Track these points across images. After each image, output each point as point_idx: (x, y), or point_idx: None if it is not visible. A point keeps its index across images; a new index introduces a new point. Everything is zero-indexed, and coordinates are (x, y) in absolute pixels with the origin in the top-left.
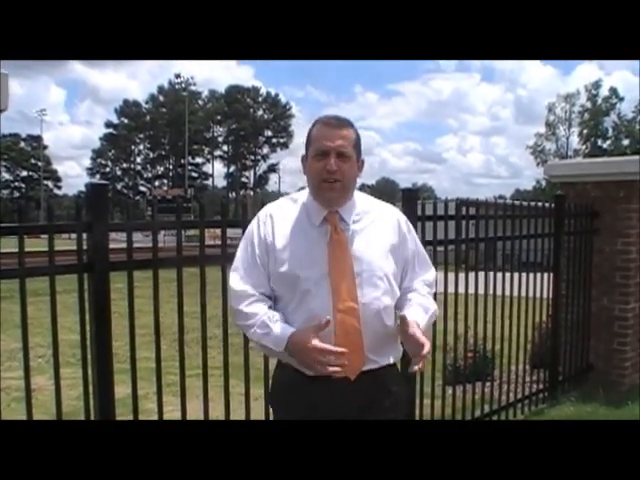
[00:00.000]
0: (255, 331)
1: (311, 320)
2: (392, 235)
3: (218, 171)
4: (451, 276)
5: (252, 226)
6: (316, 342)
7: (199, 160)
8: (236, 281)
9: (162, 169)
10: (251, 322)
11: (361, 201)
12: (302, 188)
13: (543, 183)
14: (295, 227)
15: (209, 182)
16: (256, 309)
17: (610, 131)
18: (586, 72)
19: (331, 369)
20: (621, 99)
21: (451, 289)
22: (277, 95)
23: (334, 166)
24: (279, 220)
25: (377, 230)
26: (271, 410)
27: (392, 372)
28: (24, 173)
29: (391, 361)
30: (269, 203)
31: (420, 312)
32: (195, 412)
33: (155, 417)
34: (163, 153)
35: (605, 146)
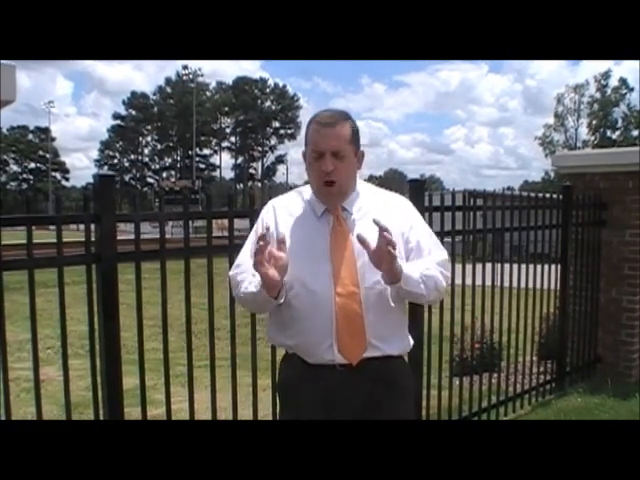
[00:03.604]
0: (243, 284)
1: (313, 306)
2: (397, 223)
3: (226, 162)
4: (459, 267)
5: (258, 219)
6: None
7: (207, 151)
8: (235, 264)
9: (170, 160)
10: (239, 278)
11: (365, 191)
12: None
13: (552, 174)
14: (298, 217)
15: (217, 173)
16: (244, 274)
17: (619, 122)
18: (595, 62)
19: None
20: (631, 89)
21: (459, 280)
22: (285, 86)
23: (330, 166)
24: (282, 211)
25: (381, 218)
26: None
27: (400, 364)
28: (32, 165)
29: (397, 352)
30: (277, 196)
31: (414, 265)
32: (203, 403)
33: (163, 408)
34: (171, 145)
35: (614, 137)
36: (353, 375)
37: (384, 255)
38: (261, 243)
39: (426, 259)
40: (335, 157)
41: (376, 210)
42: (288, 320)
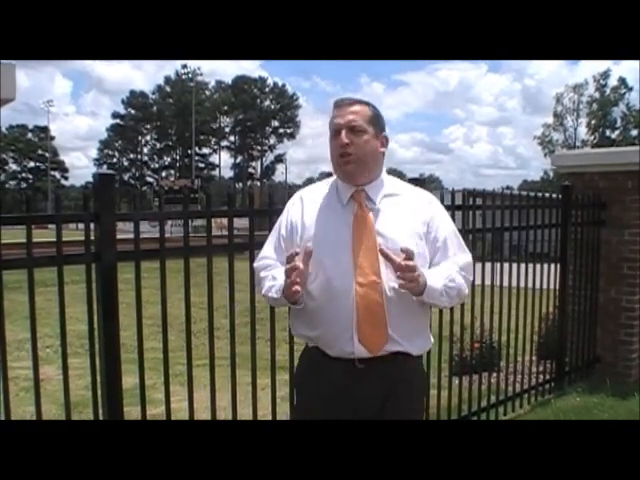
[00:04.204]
0: (264, 284)
1: (335, 296)
2: (421, 218)
3: (225, 162)
4: None
5: (284, 210)
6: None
7: (206, 151)
8: (259, 254)
9: (169, 160)
10: (262, 275)
11: (391, 183)
12: (310, 179)
13: (551, 174)
14: (323, 206)
15: (216, 173)
16: (265, 271)
17: (619, 121)
18: (594, 62)
19: (293, 288)
20: (630, 89)
21: None
22: (284, 85)
23: (345, 139)
24: (308, 201)
25: (405, 211)
26: (295, 392)
27: (417, 364)
28: (31, 164)
29: (417, 351)
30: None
31: (433, 272)
32: (202, 402)
33: (162, 407)
34: (170, 144)
35: (613, 136)
36: (370, 372)
37: (405, 280)
38: (292, 264)
39: (450, 263)
40: (351, 132)
41: (402, 203)
42: (310, 311)
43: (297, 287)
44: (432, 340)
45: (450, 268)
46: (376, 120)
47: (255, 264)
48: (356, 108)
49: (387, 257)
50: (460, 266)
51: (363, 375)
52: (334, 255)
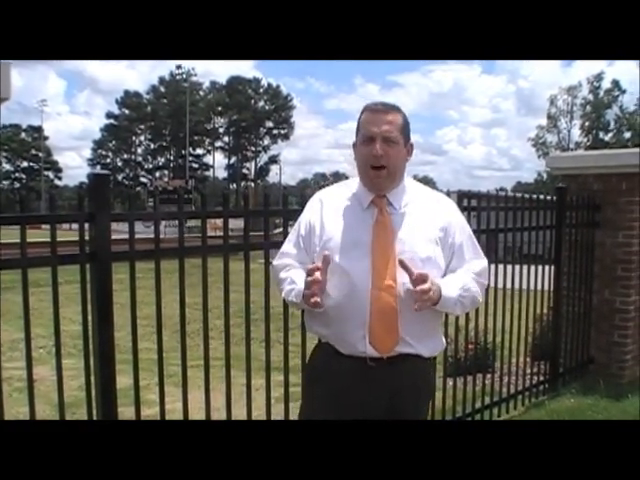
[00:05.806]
0: (284, 287)
1: (351, 297)
2: (439, 223)
3: (219, 162)
4: None
5: (304, 211)
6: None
7: (200, 151)
8: (279, 252)
9: (163, 160)
10: (282, 276)
11: (411, 188)
12: (304, 180)
13: (544, 175)
14: (343, 209)
15: (210, 173)
16: (285, 270)
17: (612, 124)
18: (588, 64)
19: (312, 300)
20: (623, 91)
21: None
22: (278, 86)
23: (380, 151)
24: (327, 203)
25: (424, 216)
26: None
27: (428, 366)
28: (25, 164)
29: (428, 354)
30: (324, 188)
31: (448, 282)
32: (196, 403)
33: (156, 408)
34: (164, 144)
35: (607, 139)
36: (380, 371)
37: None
38: (313, 277)
39: (466, 270)
40: (385, 142)
41: (421, 209)
42: (325, 309)
43: (316, 299)
44: (444, 342)
45: (466, 276)
46: (406, 129)
47: (275, 262)
48: (391, 117)
49: (405, 268)
50: (476, 272)
51: (372, 374)
52: (352, 257)
